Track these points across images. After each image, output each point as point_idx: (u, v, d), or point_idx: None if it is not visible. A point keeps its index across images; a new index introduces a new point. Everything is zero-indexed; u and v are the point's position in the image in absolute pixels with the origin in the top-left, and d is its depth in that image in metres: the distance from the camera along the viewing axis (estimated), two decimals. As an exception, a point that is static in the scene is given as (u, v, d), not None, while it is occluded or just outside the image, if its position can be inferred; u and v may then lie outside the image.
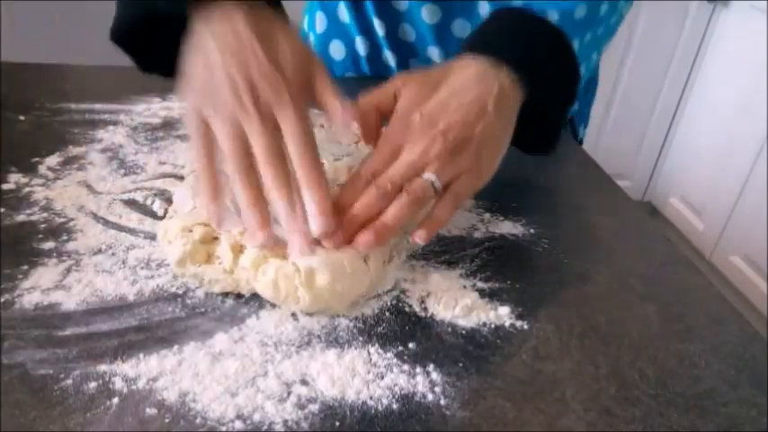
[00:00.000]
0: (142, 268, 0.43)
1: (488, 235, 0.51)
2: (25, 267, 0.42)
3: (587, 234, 0.54)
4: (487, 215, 0.53)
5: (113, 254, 0.44)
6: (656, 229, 0.57)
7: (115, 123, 0.64)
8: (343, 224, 0.41)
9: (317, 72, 0.46)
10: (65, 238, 0.45)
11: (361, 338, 0.38)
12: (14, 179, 0.52)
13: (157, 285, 0.41)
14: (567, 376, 0.37)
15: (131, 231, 0.47)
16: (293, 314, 0.40)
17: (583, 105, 0.85)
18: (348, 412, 0.33)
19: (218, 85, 0.42)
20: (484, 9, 0.72)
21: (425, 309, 0.41)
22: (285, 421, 0.32)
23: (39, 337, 0.36)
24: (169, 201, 0.50)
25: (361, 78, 0.82)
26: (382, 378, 0.35)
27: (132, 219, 0.48)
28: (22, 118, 0.63)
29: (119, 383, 0.33)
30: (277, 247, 0.41)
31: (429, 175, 0.43)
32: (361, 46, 0.81)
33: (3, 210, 0.48)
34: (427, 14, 0.74)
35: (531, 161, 0.57)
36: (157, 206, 0.50)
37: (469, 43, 0.51)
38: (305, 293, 0.38)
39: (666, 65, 2.22)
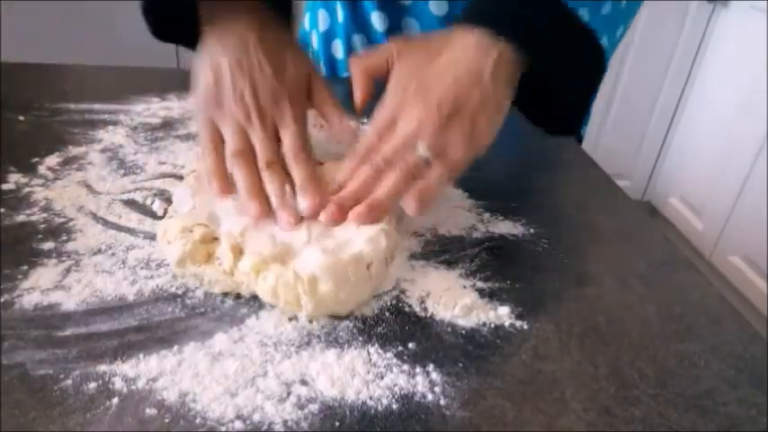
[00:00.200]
0: (142, 268, 0.43)
1: (488, 235, 0.51)
2: (25, 268, 0.42)
3: (587, 234, 0.54)
4: (487, 215, 0.53)
5: (113, 254, 0.44)
6: (656, 229, 0.57)
7: (115, 123, 0.64)
8: (338, 201, 0.44)
9: (316, 83, 0.53)
10: (64, 238, 0.45)
11: (360, 338, 0.38)
12: (14, 179, 0.52)
13: (157, 285, 0.41)
14: (566, 376, 0.37)
15: (131, 231, 0.47)
16: (293, 314, 0.40)
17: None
18: (348, 412, 0.33)
19: (226, 94, 0.49)
20: None
21: (425, 309, 0.41)
22: (285, 421, 0.32)
23: (38, 338, 0.36)
24: (169, 201, 0.50)
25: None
26: (382, 378, 0.35)
27: (132, 219, 0.48)
28: (21, 118, 0.63)
29: (118, 384, 0.33)
30: (277, 252, 0.41)
31: (422, 150, 0.44)
32: (358, 44, 0.81)
33: (2, 210, 0.48)
34: (435, 6, 0.74)
35: (531, 161, 0.57)
36: (157, 206, 0.50)
37: (466, 13, 0.51)
38: (308, 301, 0.38)
39: (666, 65, 2.22)
